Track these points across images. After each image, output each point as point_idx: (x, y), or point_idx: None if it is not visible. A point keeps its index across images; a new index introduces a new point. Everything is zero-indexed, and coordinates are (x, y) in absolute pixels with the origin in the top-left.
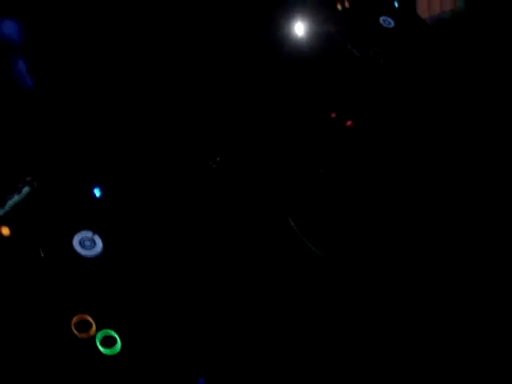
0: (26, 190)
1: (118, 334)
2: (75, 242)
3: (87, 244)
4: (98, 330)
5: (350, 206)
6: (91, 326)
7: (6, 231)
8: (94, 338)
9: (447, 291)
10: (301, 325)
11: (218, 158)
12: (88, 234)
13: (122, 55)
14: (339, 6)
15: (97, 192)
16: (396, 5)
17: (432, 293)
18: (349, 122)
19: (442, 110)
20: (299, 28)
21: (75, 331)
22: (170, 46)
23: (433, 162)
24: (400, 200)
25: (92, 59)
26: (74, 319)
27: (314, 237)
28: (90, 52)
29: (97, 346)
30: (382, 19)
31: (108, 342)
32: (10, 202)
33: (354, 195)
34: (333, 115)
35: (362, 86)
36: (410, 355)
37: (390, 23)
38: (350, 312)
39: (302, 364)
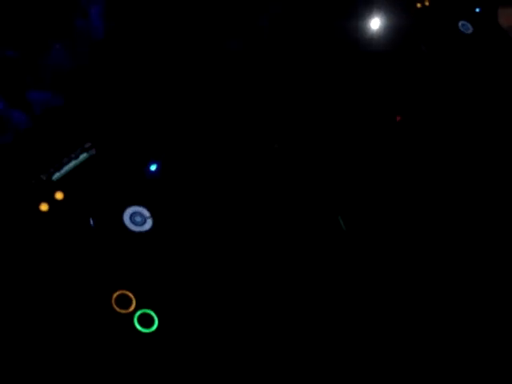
0: (83, 156)
1: (156, 314)
2: (126, 215)
3: (137, 220)
4: (137, 308)
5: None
6: (131, 302)
7: (59, 195)
8: (132, 314)
9: (448, 291)
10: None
11: (277, 145)
12: (140, 209)
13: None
14: (419, 4)
15: (153, 168)
16: (477, 10)
17: (433, 293)
18: (398, 118)
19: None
20: (375, 22)
21: (115, 306)
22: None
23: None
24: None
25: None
26: (116, 294)
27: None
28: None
29: (133, 323)
30: (460, 24)
31: (146, 320)
32: (67, 167)
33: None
34: (398, 118)
35: (426, 84)
36: (412, 355)
37: (468, 28)
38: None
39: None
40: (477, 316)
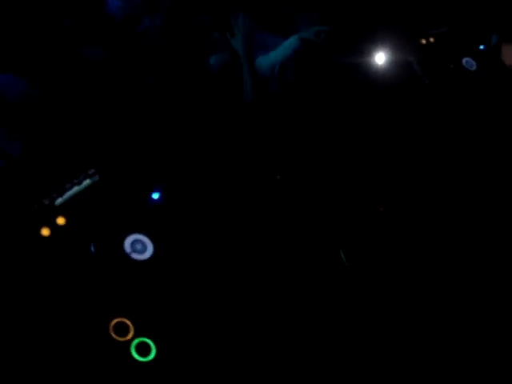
0: (86, 182)
1: (154, 343)
2: (127, 243)
3: (138, 247)
4: (135, 336)
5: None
6: (129, 330)
7: (61, 221)
8: (129, 342)
9: (449, 292)
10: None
11: (279, 177)
12: (141, 237)
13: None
14: (424, 41)
15: (155, 196)
16: (482, 47)
17: (434, 293)
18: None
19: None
20: (380, 57)
21: (113, 333)
22: None
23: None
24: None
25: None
26: (114, 321)
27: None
28: None
29: (130, 352)
30: (464, 60)
31: (143, 349)
32: (69, 193)
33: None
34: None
35: (429, 119)
36: (415, 356)
37: (472, 65)
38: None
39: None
40: (478, 323)
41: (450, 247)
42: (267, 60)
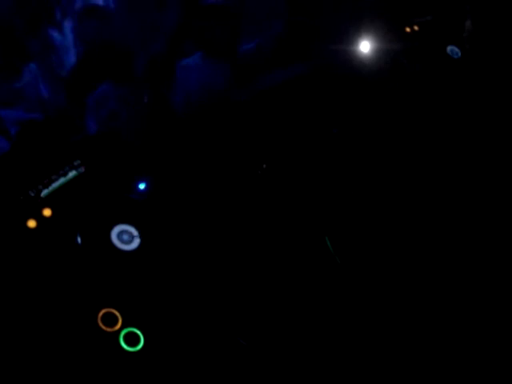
0: (72, 173)
1: (142, 333)
2: (113, 233)
3: (125, 238)
4: (123, 326)
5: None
6: (117, 321)
7: (47, 212)
8: (118, 333)
9: (449, 292)
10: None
11: (265, 165)
12: (127, 228)
13: None
14: (408, 29)
15: (141, 186)
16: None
17: (435, 294)
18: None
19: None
20: (365, 46)
21: (101, 324)
22: None
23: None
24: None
25: None
26: (102, 312)
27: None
28: None
29: (119, 342)
30: (449, 49)
31: (131, 339)
32: (55, 184)
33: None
34: None
35: (414, 108)
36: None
37: (457, 54)
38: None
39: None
40: (477, 316)
41: (443, 242)
42: None
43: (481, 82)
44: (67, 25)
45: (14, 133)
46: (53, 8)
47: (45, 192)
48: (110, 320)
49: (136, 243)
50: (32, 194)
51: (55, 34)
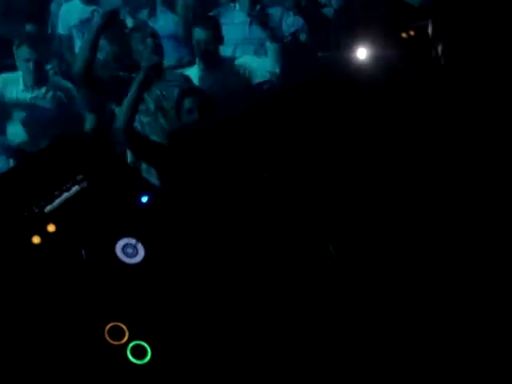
0: (75, 188)
1: (150, 346)
2: (118, 247)
3: (129, 251)
4: (130, 339)
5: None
6: (124, 334)
7: (51, 228)
8: (125, 346)
9: (451, 294)
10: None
11: (266, 175)
12: (132, 241)
13: None
14: (404, 34)
15: (144, 199)
16: None
17: (434, 294)
18: None
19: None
20: (362, 52)
21: (108, 338)
22: None
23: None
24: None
25: None
26: (109, 325)
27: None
28: None
29: (126, 355)
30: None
31: (139, 352)
32: (59, 200)
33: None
34: None
35: (411, 112)
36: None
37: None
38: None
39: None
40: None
41: (443, 243)
42: None
43: (473, 85)
44: None
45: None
46: None
47: (48, 208)
48: (117, 333)
49: (141, 256)
50: (36, 210)
51: None
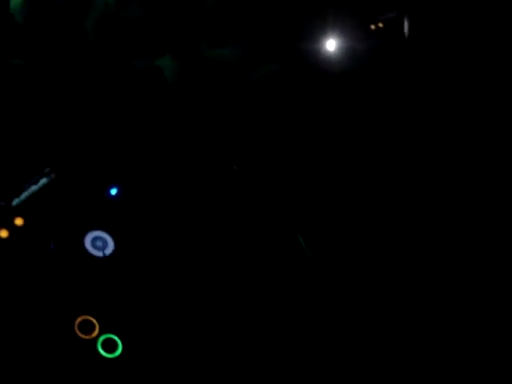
0: (43, 181)
1: (120, 339)
2: (87, 240)
3: (99, 244)
4: (100, 333)
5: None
6: (94, 328)
7: (19, 221)
8: (95, 340)
9: (445, 292)
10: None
11: (235, 167)
12: (101, 234)
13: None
14: (373, 26)
15: (113, 192)
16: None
17: (430, 293)
18: None
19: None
20: (331, 44)
21: (78, 331)
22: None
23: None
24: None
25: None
26: (78, 319)
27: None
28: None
29: (97, 349)
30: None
31: (109, 345)
32: (26, 193)
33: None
34: None
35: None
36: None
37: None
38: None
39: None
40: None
41: (409, 232)
42: None
43: (440, 75)
44: None
45: None
46: None
47: (16, 201)
48: (87, 327)
49: (110, 249)
50: (3, 204)
51: None
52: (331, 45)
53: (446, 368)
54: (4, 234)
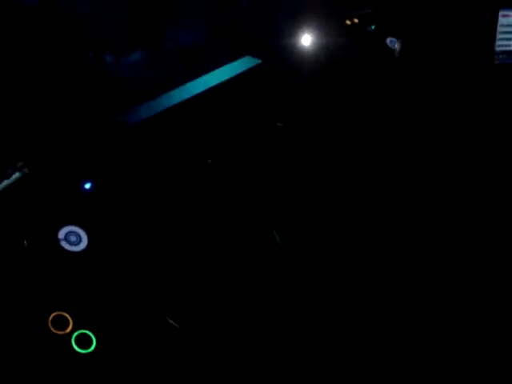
0: (15, 175)
1: (94, 335)
2: (61, 235)
3: (72, 239)
4: (74, 328)
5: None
6: (68, 323)
7: None
8: (69, 335)
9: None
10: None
11: (210, 161)
12: (74, 228)
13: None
14: (348, 22)
15: (87, 186)
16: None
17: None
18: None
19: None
20: (306, 39)
21: (51, 327)
22: None
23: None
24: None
25: None
26: (52, 315)
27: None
28: None
29: (71, 344)
30: (388, 40)
31: (83, 341)
32: None
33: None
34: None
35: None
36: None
37: (395, 44)
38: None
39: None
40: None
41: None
42: None
43: (417, 73)
44: None
45: None
46: None
47: None
48: (61, 323)
49: (84, 244)
50: None
51: None
52: (306, 40)
53: (445, 367)
54: None
